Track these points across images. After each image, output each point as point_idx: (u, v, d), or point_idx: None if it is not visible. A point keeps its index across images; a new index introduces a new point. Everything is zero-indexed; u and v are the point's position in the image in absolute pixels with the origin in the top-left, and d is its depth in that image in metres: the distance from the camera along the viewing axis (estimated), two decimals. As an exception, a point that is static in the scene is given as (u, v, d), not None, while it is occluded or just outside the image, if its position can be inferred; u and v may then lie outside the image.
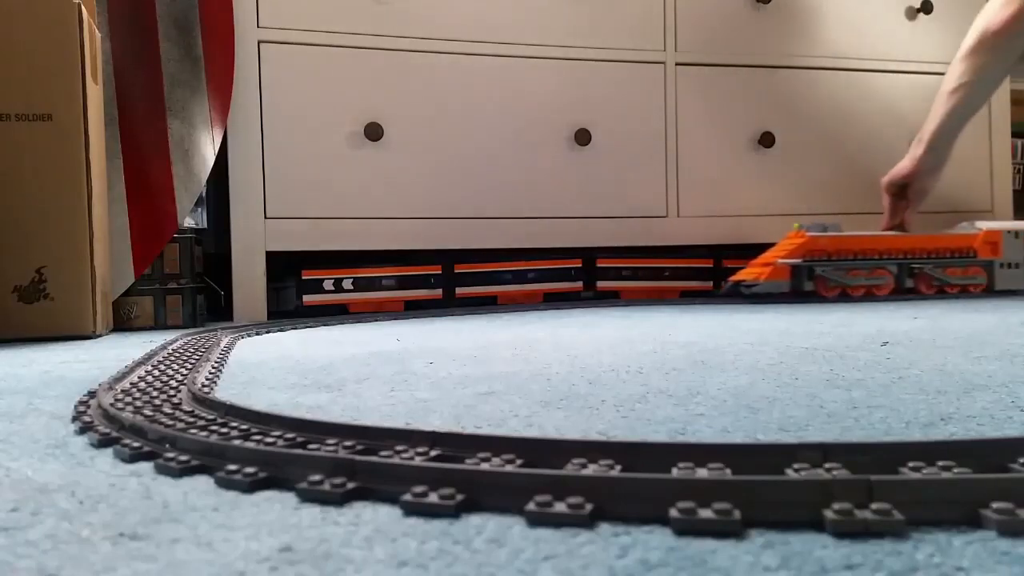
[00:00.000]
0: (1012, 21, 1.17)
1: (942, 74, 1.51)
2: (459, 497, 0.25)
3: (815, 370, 0.53)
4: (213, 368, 0.56)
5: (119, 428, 0.36)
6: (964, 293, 1.29)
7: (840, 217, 1.41)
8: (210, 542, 0.23)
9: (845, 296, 1.23)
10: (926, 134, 1.25)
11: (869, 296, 1.24)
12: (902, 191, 1.29)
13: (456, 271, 1.24)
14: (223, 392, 0.48)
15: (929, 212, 1.39)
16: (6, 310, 0.88)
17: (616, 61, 1.34)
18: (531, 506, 0.24)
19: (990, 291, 1.30)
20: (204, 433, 0.33)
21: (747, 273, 1.25)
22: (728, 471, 0.26)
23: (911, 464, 0.26)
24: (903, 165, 1.28)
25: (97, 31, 1.02)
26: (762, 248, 1.30)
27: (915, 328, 0.79)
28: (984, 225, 1.33)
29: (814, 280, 1.22)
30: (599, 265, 1.32)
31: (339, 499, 0.26)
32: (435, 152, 1.25)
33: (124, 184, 1.10)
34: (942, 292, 1.28)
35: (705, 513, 0.23)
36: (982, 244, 1.31)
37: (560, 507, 0.24)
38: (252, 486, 0.28)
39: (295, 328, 0.94)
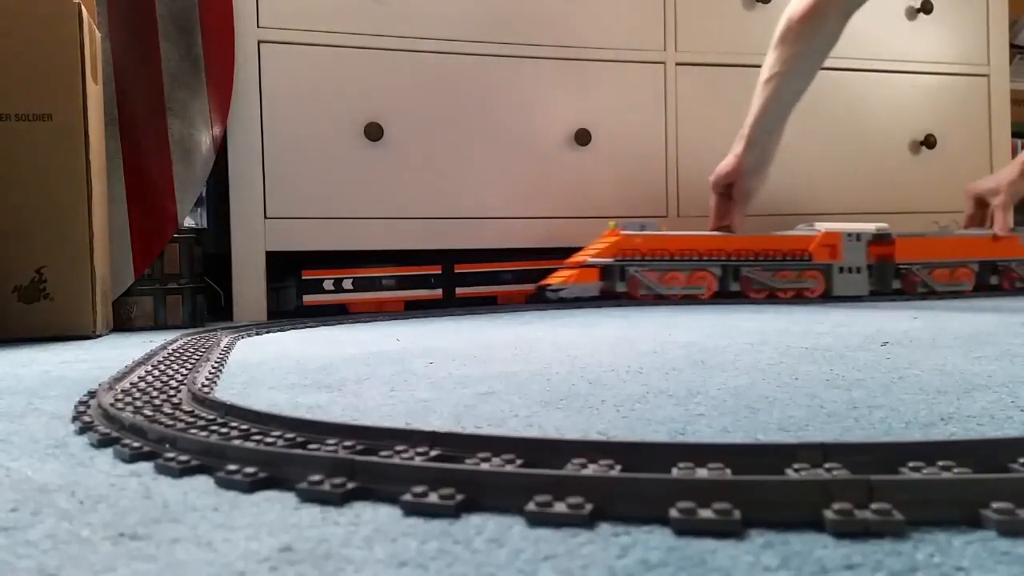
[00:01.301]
0: (812, 8, 1.11)
1: (942, 74, 1.52)
2: (459, 497, 0.25)
3: (815, 370, 0.53)
4: (213, 368, 0.56)
5: (119, 428, 0.36)
6: (800, 298, 1.21)
7: (839, 217, 1.41)
8: (210, 542, 0.23)
9: (664, 298, 1.16)
10: (746, 129, 1.18)
11: (690, 300, 1.17)
12: (729, 190, 1.21)
13: (456, 271, 1.24)
14: (223, 392, 0.48)
15: (929, 212, 1.39)
16: (6, 310, 0.88)
17: (616, 61, 1.34)
18: (531, 506, 0.24)
19: (827, 297, 1.22)
20: (204, 433, 0.33)
21: (556, 276, 1.16)
22: (728, 471, 0.26)
23: (911, 464, 0.26)
24: (727, 163, 1.20)
25: (97, 31, 1.02)
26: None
27: (915, 328, 0.79)
28: (823, 226, 1.25)
29: (627, 281, 1.15)
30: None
31: (339, 499, 0.26)
32: (435, 152, 1.25)
33: (124, 184, 1.10)
34: (773, 297, 1.20)
35: (705, 513, 0.23)
36: (819, 247, 1.23)
37: (560, 507, 0.24)
38: (252, 486, 0.28)
39: (295, 328, 0.94)
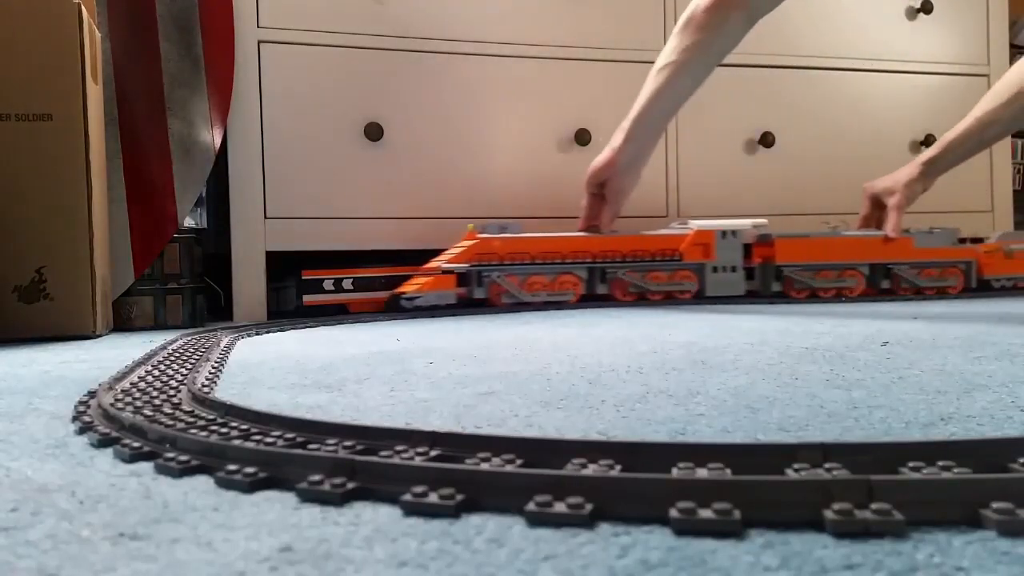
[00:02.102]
0: (718, 1, 1.04)
1: (942, 74, 1.52)
2: (459, 497, 0.25)
3: (815, 370, 0.53)
4: (213, 368, 0.56)
5: (119, 428, 0.36)
6: (672, 300, 1.16)
7: (838, 218, 1.41)
8: (210, 542, 0.23)
9: (525, 305, 1.10)
10: (627, 122, 1.09)
11: (556, 305, 1.11)
12: (603, 188, 1.13)
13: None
14: (223, 392, 0.48)
15: (931, 212, 1.39)
16: (6, 310, 0.88)
17: (616, 61, 1.34)
18: (531, 506, 0.24)
19: (701, 298, 1.18)
20: (204, 433, 0.33)
21: (412, 283, 1.09)
22: (728, 471, 0.26)
23: (911, 464, 0.26)
24: (602, 157, 1.11)
25: (97, 31, 1.02)
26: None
27: (915, 328, 0.79)
28: (696, 224, 1.20)
29: (485, 288, 1.09)
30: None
31: (339, 499, 0.26)
32: (435, 152, 1.25)
33: (124, 184, 1.10)
34: (643, 299, 1.15)
35: (705, 513, 0.23)
36: (690, 246, 1.18)
37: (560, 507, 0.24)
38: (252, 486, 0.28)
39: (295, 328, 0.94)
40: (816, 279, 1.22)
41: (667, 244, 1.18)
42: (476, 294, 1.09)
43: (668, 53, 1.07)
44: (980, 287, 1.28)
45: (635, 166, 1.11)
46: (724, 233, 1.20)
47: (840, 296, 1.22)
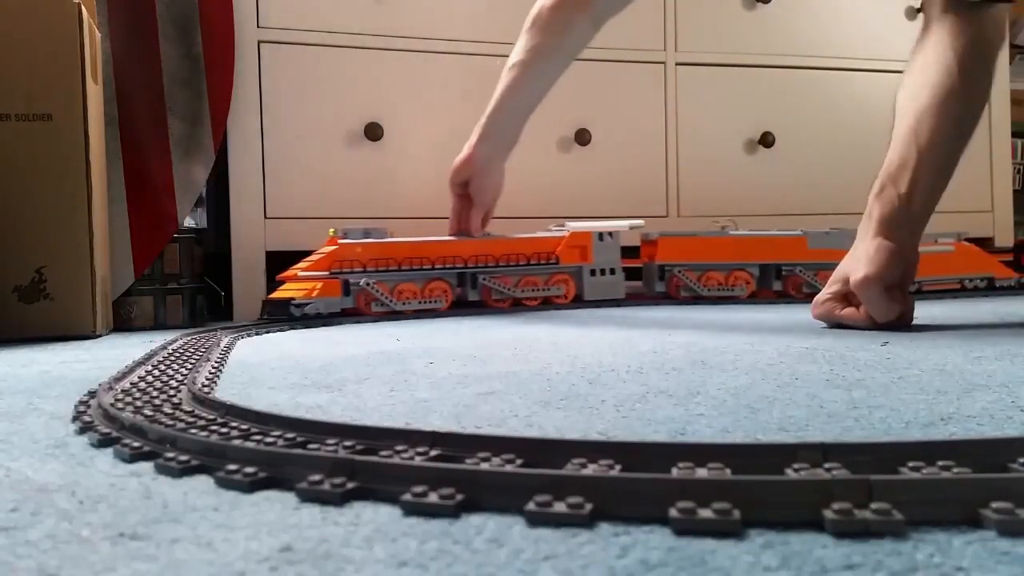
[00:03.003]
0: (562, 1, 1.00)
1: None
2: (459, 497, 0.25)
3: (815, 370, 0.53)
4: (213, 368, 0.56)
5: (119, 428, 0.36)
6: (549, 305, 1.10)
7: (838, 217, 1.41)
8: (210, 542, 0.23)
9: (397, 315, 1.02)
10: (483, 119, 1.05)
11: (426, 313, 1.04)
12: (467, 189, 1.07)
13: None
14: (223, 392, 0.48)
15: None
16: (6, 310, 0.88)
17: (616, 61, 1.34)
18: (531, 506, 0.24)
19: (580, 302, 1.13)
20: (204, 433, 0.33)
21: (292, 287, 1.00)
22: (728, 471, 0.26)
23: (911, 464, 0.26)
24: (461, 156, 1.06)
25: (97, 31, 1.02)
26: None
27: (914, 328, 0.79)
28: (573, 226, 1.15)
29: (352, 296, 1.01)
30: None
31: (339, 499, 0.26)
32: (435, 152, 1.25)
33: (124, 184, 1.10)
34: (519, 305, 1.09)
35: (705, 513, 0.23)
36: (567, 249, 1.12)
37: (560, 507, 0.24)
38: (252, 486, 0.28)
39: (295, 328, 0.94)
40: (701, 280, 1.17)
41: (543, 247, 1.12)
42: (343, 304, 1.00)
43: (517, 51, 1.03)
44: None
45: (494, 164, 1.06)
46: (601, 235, 1.15)
47: (730, 298, 1.17)
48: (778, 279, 1.20)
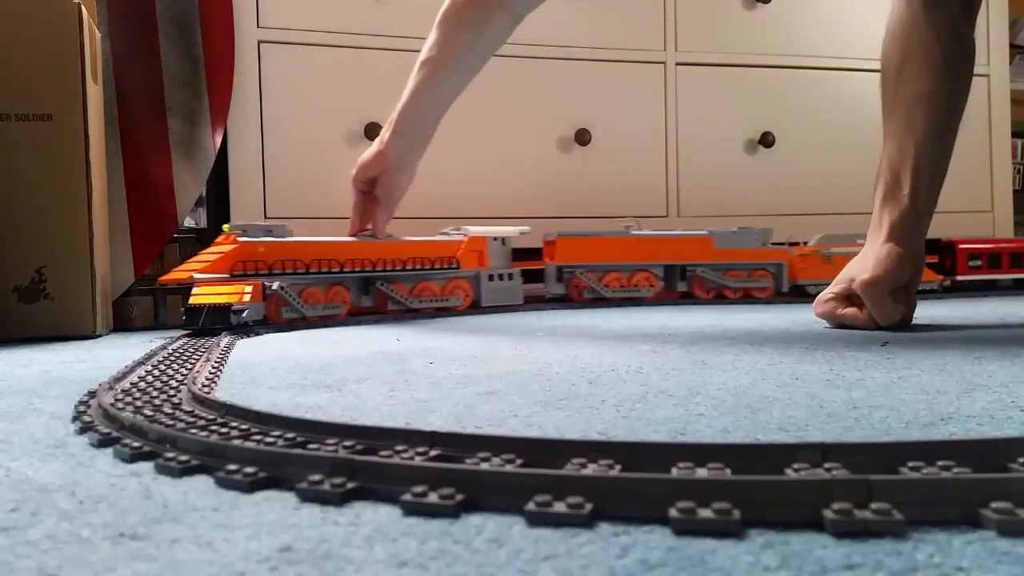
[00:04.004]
0: None
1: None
2: (459, 497, 0.25)
3: (815, 370, 0.53)
4: (213, 368, 0.56)
5: (119, 428, 0.36)
6: (446, 312, 1.05)
7: (838, 218, 1.41)
8: (210, 542, 0.23)
9: (308, 323, 0.93)
10: (395, 114, 0.98)
11: (331, 320, 0.96)
12: (372, 187, 1.00)
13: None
14: (223, 392, 0.48)
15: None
16: (6, 310, 0.88)
17: (616, 61, 1.34)
18: (531, 506, 0.24)
19: (477, 308, 1.08)
20: (204, 433, 0.33)
21: (227, 292, 0.87)
22: (728, 471, 0.26)
23: (911, 464, 0.26)
24: (370, 152, 0.99)
25: (97, 31, 1.02)
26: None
27: (914, 328, 0.79)
28: (473, 230, 1.10)
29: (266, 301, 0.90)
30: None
31: (339, 499, 0.26)
32: (434, 152, 1.25)
33: (124, 184, 1.10)
34: (416, 312, 1.03)
35: (705, 513, 0.23)
36: (467, 253, 1.08)
37: (560, 507, 0.24)
38: (252, 486, 0.28)
39: (295, 328, 0.94)
40: (603, 281, 1.14)
41: (446, 252, 1.07)
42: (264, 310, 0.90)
43: (430, 47, 0.96)
44: (795, 292, 1.21)
45: (407, 162, 0.99)
46: (495, 239, 1.11)
47: (632, 301, 1.15)
48: (683, 279, 1.19)
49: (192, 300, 0.86)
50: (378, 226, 1.01)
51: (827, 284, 1.20)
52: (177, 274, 0.90)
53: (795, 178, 1.43)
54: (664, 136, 1.37)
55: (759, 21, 1.41)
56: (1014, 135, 1.62)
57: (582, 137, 1.31)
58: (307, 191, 1.18)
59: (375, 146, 0.99)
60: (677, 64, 1.37)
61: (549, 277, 1.17)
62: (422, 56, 0.97)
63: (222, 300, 0.85)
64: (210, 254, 0.90)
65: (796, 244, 1.26)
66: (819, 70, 1.44)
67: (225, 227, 0.94)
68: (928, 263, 1.26)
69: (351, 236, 1.01)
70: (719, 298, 1.19)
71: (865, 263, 0.79)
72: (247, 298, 0.86)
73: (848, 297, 0.80)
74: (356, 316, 1.00)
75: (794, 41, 1.43)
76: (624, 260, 1.16)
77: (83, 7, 0.91)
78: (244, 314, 0.85)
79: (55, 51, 0.89)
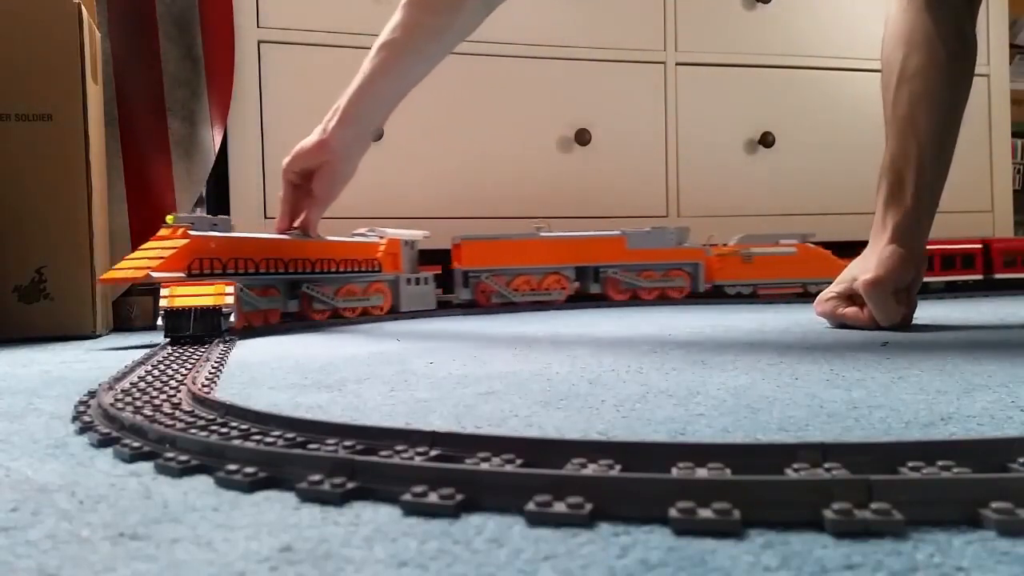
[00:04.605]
0: None
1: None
2: (459, 497, 0.25)
3: (815, 370, 0.53)
4: (213, 368, 0.56)
5: (119, 428, 0.36)
6: (367, 316, 1.00)
7: (838, 218, 1.41)
8: (210, 542, 0.23)
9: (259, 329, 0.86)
10: (343, 100, 0.89)
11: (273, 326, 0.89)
12: (308, 180, 0.91)
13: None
14: (223, 392, 0.48)
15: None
16: (6, 310, 0.88)
17: (616, 61, 1.34)
18: (531, 506, 0.24)
19: (395, 314, 1.03)
20: (204, 433, 0.33)
21: (212, 293, 0.76)
22: (728, 471, 0.26)
23: (911, 464, 0.26)
24: (309, 141, 0.89)
25: (97, 31, 1.02)
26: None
27: (914, 328, 0.79)
28: (391, 232, 1.05)
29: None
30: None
31: (339, 499, 0.26)
32: (435, 152, 1.25)
33: (124, 184, 1.10)
34: (338, 316, 0.96)
35: (705, 513, 0.23)
36: (386, 256, 1.03)
37: (560, 507, 0.24)
38: (252, 486, 0.28)
39: (295, 329, 0.94)
40: (511, 285, 1.11)
41: (369, 253, 1.01)
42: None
43: (393, 28, 0.87)
44: (716, 294, 1.20)
45: (351, 154, 0.90)
46: (407, 242, 1.07)
47: (543, 305, 1.12)
48: (597, 281, 1.17)
49: (169, 302, 0.74)
50: (311, 224, 0.92)
51: (746, 285, 1.18)
52: (123, 272, 0.77)
53: (795, 178, 1.43)
54: (664, 136, 1.37)
55: (759, 21, 1.41)
56: (1014, 135, 1.62)
57: (582, 137, 1.31)
58: (307, 191, 1.18)
59: (315, 135, 0.89)
60: (677, 64, 1.37)
61: (456, 282, 1.13)
62: (382, 38, 0.88)
63: (209, 302, 0.74)
64: (160, 249, 0.79)
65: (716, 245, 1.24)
66: (819, 70, 1.44)
67: (169, 218, 0.83)
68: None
69: (279, 233, 0.91)
70: (634, 299, 1.17)
71: (868, 263, 0.78)
72: (230, 299, 0.76)
73: (849, 297, 0.80)
74: (285, 323, 0.92)
75: (794, 41, 1.43)
76: (534, 263, 1.13)
77: (83, 7, 0.91)
78: (231, 318, 0.76)
79: (55, 51, 0.89)
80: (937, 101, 0.78)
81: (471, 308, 1.13)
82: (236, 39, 1.15)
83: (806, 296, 1.22)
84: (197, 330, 0.74)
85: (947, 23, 0.78)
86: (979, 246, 1.30)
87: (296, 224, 0.93)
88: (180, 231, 0.81)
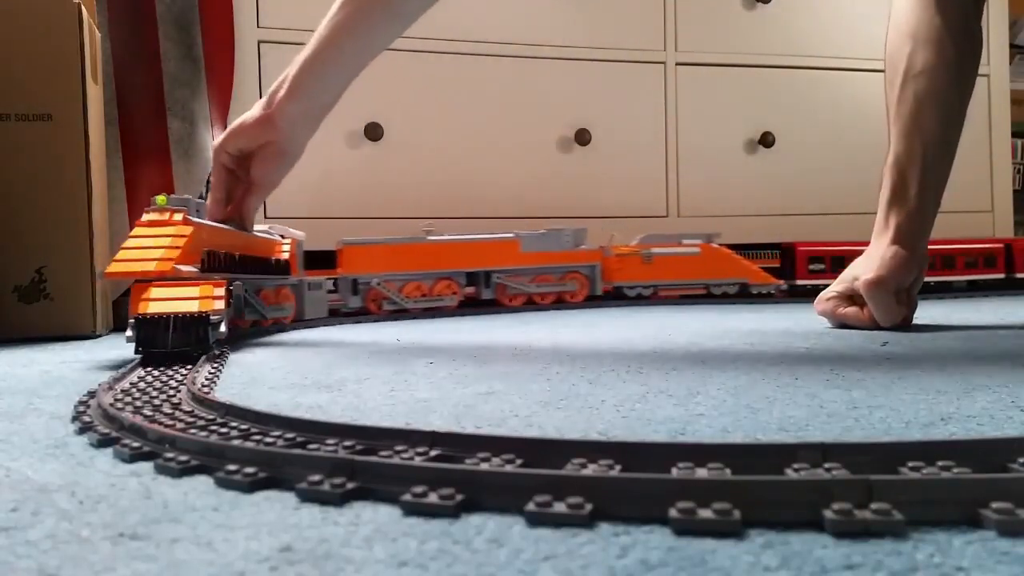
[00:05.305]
0: None
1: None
2: (459, 497, 0.25)
3: (815, 370, 0.53)
4: (213, 368, 0.56)
5: (119, 428, 0.36)
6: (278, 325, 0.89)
7: (839, 218, 1.41)
8: (210, 542, 0.23)
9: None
10: (293, 68, 0.77)
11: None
12: (245, 163, 0.77)
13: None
14: (223, 392, 0.48)
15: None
16: (6, 310, 0.88)
17: (616, 61, 1.34)
18: (531, 506, 0.24)
19: (299, 321, 0.93)
20: (204, 433, 0.33)
21: (199, 296, 0.61)
22: (728, 471, 0.26)
23: (911, 464, 0.26)
24: (251, 115, 0.76)
25: (97, 31, 1.02)
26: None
27: (914, 328, 0.79)
28: (295, 233, 0.96)
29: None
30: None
31: (339, 499, 0.26)
32: (435, 152, 1.25)
33: (124, 184, 1.10)
34: (258, 326, 0.85)
35: (705, 513, 0.23)
36: (292, 258, 0.93)
37: (560, 507, 0.24)
38: (252, 486, 0.28)
39: (295, 329, 0.94)
40: (400, 292, 1.04)
41: (278, 252, 0.90)
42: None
43: (336, 9, 0.78)
44: (616, 296, 1.17)
45: (301, 134, 0.77)
46: (299, 243, 0.96)
47: (434, 312, 1.06)
48: (488, 286, 1.10)
49: (143, 307, 0.60)
50: (247, 214, 0.79)
51: (646, 286, 1.16)
52: (130, 266, 0.63)
53: (795, 178, 1.43)
54: (664, 136, 1.37)
55: (759, 21, 1.41)
56: (1014, 135, 1.62)
57: (582, 137, 1.31)
58: (307, 191, 1.18)
59: (258, 109, 0.76)
60: (677, 64, 1.37)
61: (343, 289, 1.06)
62: (327, 17, 0.77)
63: (194, 307, 0.60)
64: (162, 237, 0.65)
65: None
66: (819, 70, 1.44)
67: (160, 199, 0.69)
68: (768, 267, 1.23)
69: (214, 222, 0.75)
70: (529, 303, 1.12)
71: (870, 263, 0.78)
72: (220, 304, 0.62)
73: (850, 296, 0.80)
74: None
75: (794, 41, 1.43)
76: (421, 268, 1.07)
77: (83, 7, 0.91)
78: (221, 327, 0.62)
79: (55, 51, 0.89)
80: (943, 101, 0.78)
81: (363, 316, 1.05)
82: (236, 39, 1.14)
83: (709, 297, 1.20)
84: (178, 344, 0.58)
85: (955, 19, 0.77)
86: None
87: (229, 214, 0.78)
88: (181, 216, 0.67)
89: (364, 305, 1.06)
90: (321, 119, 0.79)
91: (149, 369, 0.54)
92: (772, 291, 1.23)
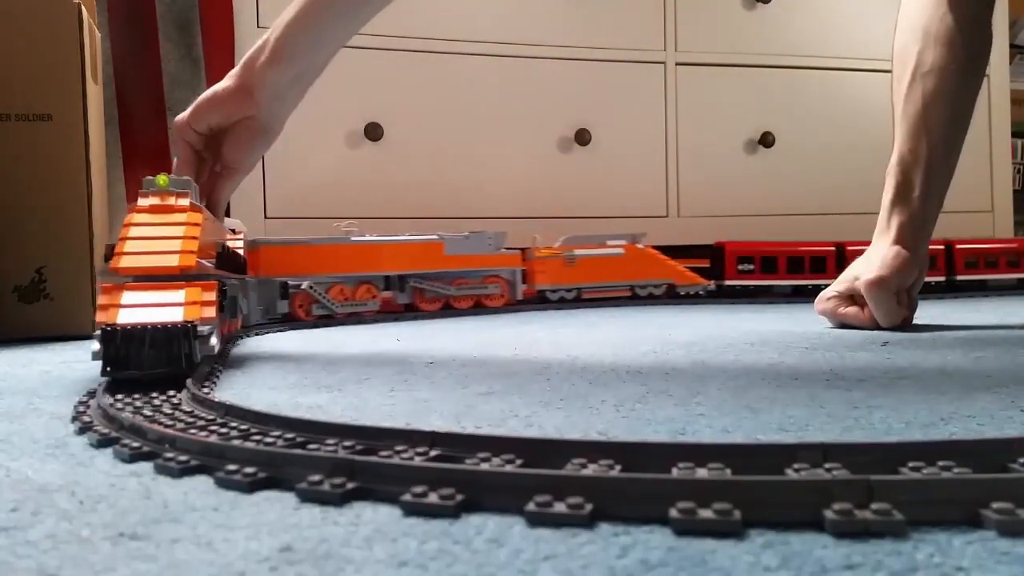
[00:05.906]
0: None
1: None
2: (459, 497, 0.25)
3: (815, 370, 0.53)
4: (213, 368, 0.56)
5: (119, 428, 0.36)
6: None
7: (839, 218, 1.41)
8: (210, 542, 0.23)
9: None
10: (274, 32, 0.70)
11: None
12: (216, 140, 0.69)
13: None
14: (223, 392, 0.48)
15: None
16: (6, 310, 0.88)
17: (616, 61, 1.34)
18: (531, 506, 0.24)
19: (246, 327, 0.88)
20: (204, 433, 0.33)
21: (191, 302, 0.50)
22: (728, 471, 0.26)
23: (911, 464, 0.26)
24: (223, 88, 0.68)
25: (97, 31, 1.02)
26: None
27: (914, 328, 0.79)
28: (238, 224, 0.92)
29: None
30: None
31: (339, 499, 0.26)
32: (435, 152, 1.25)
33: (124, 184, 1.10)
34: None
35: (705, 513, 0.23)
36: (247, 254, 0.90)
37: (560, 507, 0.24)
38: (252, 486, 0.28)
39: (295, 328, 0.94)
40: (328, 295, 0.97)
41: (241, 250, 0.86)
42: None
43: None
44: (539, 300, 1.14)
45: (282, 108, 0.68)
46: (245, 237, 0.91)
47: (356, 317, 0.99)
48: (403, 291, 1.04)
49: (111, 315, 0.47)
50: (219, 202, 0.71)
51: (569, 289, 1.13)
52: (147, 260, 0.52)
53: (795, 178, 1.43)
54: (664, 136, 1.37)
55: (759, 21, 1.41)
56: (1014, 135, 1.62)
57: (582, 137, 1.31)
58: (307, 191, 1.18)
59: (231, 79, 0.67)
60: (677, 64, 1.37)
61: (270, 293, 0.96)
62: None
63: (177, 316, 0.48)
64: (172, 225, 0.55)
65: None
66: (819, 70, 1.44)
67: (161, 178, 0.59)
68: (697, 267, 1.21)
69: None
70: (447, 308, 1.06)
71: (871, 263, 0.78)
72: (210, 311, 0.50)
73: (850, 296, 0.80)
74: None
75: (794, 41, 1.43)
76: (339, 271, 0.99)
77: (83, 7, 0.91)
78: (212, 340, 0.49)
79: (55, 51, 0.89)
80: (951, 101, 0.76)
81: (289, 321, 0.96)
82: (236, 39, 1.14)
83: (635, 299, 1.17)
84: (155, 363, 0.46)
85: (967, 17, 0.75)
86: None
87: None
88: (188, 201, 0.58)
89: (291, 311, 0.96)
90: (307, 87, 0.70)
91: (119, 396, 0.42)
92: (700, 291, 1.21)
